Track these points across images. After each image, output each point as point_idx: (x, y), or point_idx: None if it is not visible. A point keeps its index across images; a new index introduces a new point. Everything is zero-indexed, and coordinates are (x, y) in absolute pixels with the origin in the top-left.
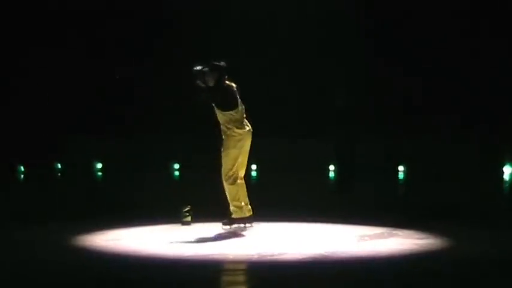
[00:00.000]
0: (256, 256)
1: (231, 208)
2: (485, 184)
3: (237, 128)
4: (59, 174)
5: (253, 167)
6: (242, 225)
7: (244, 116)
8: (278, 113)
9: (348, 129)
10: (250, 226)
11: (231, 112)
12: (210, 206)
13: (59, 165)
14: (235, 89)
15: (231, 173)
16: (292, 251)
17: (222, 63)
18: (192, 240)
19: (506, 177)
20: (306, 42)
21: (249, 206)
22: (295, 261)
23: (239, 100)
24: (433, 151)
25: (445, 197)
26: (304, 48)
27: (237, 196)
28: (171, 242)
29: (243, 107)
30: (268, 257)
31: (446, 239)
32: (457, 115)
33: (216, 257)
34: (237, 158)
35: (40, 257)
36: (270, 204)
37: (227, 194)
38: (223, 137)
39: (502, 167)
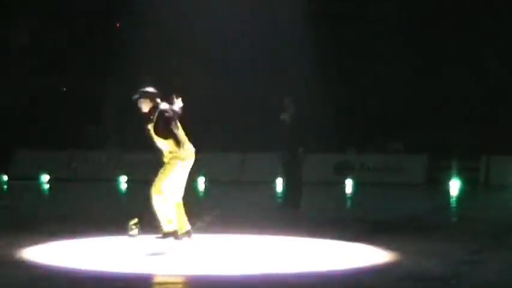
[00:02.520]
0: (197, 272)
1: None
2: (433, 198)
3: (184, 149)
4: (5, 187)
5: (200, 179)
6: (176, 239)
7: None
8: (227, 127)
9: (295, 143)
10: (180, 241)
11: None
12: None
13: (5, 178)
14: (171, 113)
15: (162, 189)
16: (239, 266)
17: (151, 90)
18: (128, 253)
19: (452, 191)
20: (255, 55)
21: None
22: (244, 277)
23: (177, 122)
24: (380, 164)
25: (391, 211)
26: (253, 61)
27: (168, 211)
28: (109, 255)
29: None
30: (210, 273)
31: (393, 252)
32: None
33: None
34: (173, 177)
35: None
36: (218, 217)
37: (156, 209)
38: (165, 160)
39: (449, 181)
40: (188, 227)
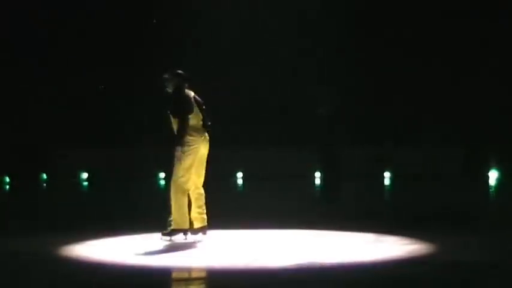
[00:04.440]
0: (242, 264)
1: (171, 218)
2: (471, 189)
3: (190, 135)
4: (44, 184)
5: (239, 174)
6: (183, 236)
7: (202, 124)
8: (263, 122)
9: (332, 137)
10: (185, 239)
11: (183, 117)
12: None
13: (44, 176)
14: (191, 98)
15: (179, 181)
16: (278, 259)
17: (181, 72)
18: (171, 249)
19: (491, 182)
20: (289, 50)
21: (203, 216)
22: (281, 269)
23: (195, 108)
24: (419, 157)
25: (431, 203)
26: (287, 57)
27: (182, 207)
28: (156, 252)
29: (201, 116)
30: (254, 265)
31: (432, 244)
32: (444, 122)
33: (198, 266)
34: (190, 167)
35: (21, 268)
36: (256, 213)
37: (172, 202)
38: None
39: (488, 172)
40: (187, 225)
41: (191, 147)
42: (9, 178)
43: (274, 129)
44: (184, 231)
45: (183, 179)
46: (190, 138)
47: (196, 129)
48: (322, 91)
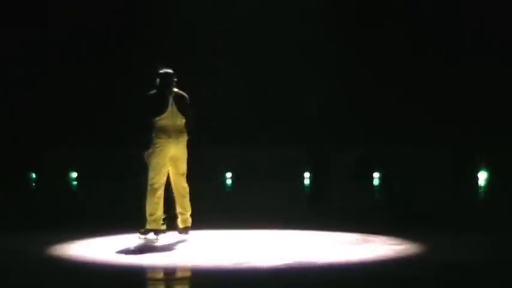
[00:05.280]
0: (230, 264)
1: (148, 218)
2: (461, 190)
3: (157, 136)
4: (33, 184)
5: (228, 175)
6: (155, 236)
7: (183, 125)
8: (252, 121)
9: (322, 137)
10: (156, 239)
11: (154, 119)
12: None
13: (34, 175)
14: (166, 98)
15: (151, 182)
16: (266, 259)
17: (162, 72)
18: (161, 248)
19: (480, 182)
20: (281, 51)
21: (185, 216)
22: (269, 269)
23: (170, 108)
24: (408, 157)
25: (420, 203)
26: (279, 56)
27: (155, 207)
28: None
29: (180, 117)
30: (243, 265)
31: (421, 244)
32: (431, 121)
33: (186, 265)
34: (156, 167)
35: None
36: (245, 212)
37: (146, 203)
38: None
39: (477, 173)
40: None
41: (156, 148)
42: None
43: (264, 129)
44: (155, 231)
45: (152, 180)
46: (157, 139)
47: (165, 131)
48: (312, 90)
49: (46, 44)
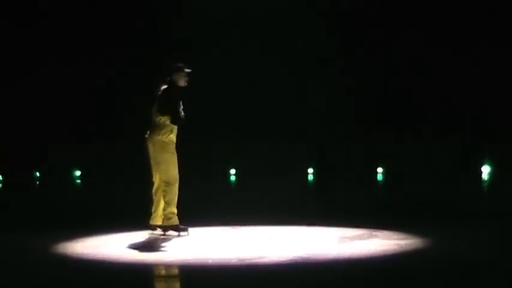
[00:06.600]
0: (235, 260)
1: (166, 213)
2: (465, 183)
3: (172, 134)
4: (38, 182)
5: (232, 171)
6: (176, 233)
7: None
8: (257, 116)
9: (327, 131)
10: (163, 235)
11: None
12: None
13: (38, 174)
14: (158, 94)
15: (176, 177)
16: (272, 254)
17: (174, 65)
18: (171, 245)
19: (484, 176)
20: (286, 46)
21: (164, 213)
22: (275, 264)
23: (155, 105)
24: (412, 151)
25: (424, 197)
26: (285, 51)
27: (154, 203)
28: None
29: (159, 114)
30: (248, 261)
31: (426, 239)
32: (437, 116)
33: (193, 261)
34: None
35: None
36: (250, 208)
37: (171, 199)
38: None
39: (481, 167)
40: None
41: (172, 146)
42: (1, 176)
43: (267, 123)
44: (151, 227)
45: (177, 176)
46: (172, 136)
47: (173, 129)
48: (317, 85)
49: (47, 41)
